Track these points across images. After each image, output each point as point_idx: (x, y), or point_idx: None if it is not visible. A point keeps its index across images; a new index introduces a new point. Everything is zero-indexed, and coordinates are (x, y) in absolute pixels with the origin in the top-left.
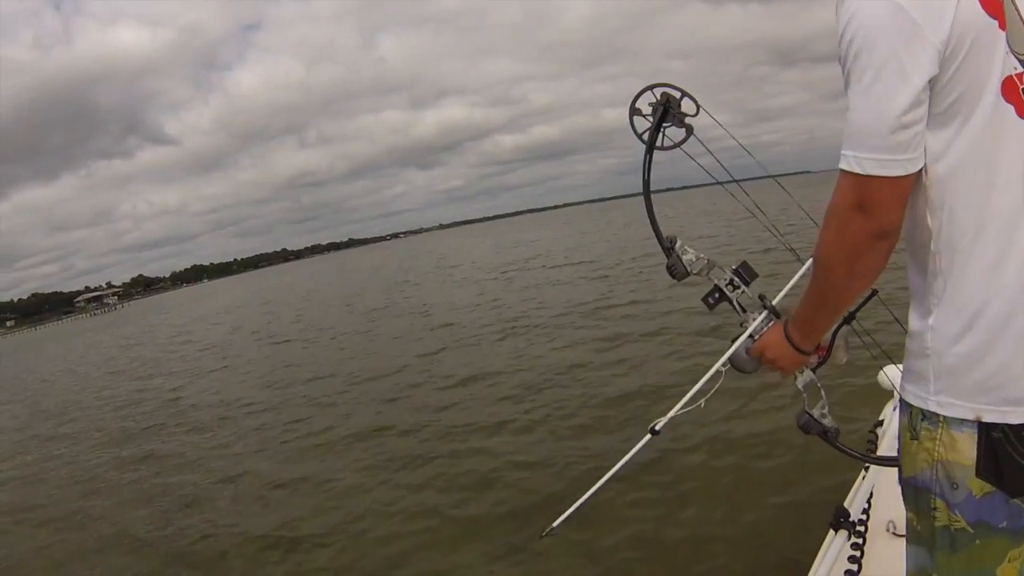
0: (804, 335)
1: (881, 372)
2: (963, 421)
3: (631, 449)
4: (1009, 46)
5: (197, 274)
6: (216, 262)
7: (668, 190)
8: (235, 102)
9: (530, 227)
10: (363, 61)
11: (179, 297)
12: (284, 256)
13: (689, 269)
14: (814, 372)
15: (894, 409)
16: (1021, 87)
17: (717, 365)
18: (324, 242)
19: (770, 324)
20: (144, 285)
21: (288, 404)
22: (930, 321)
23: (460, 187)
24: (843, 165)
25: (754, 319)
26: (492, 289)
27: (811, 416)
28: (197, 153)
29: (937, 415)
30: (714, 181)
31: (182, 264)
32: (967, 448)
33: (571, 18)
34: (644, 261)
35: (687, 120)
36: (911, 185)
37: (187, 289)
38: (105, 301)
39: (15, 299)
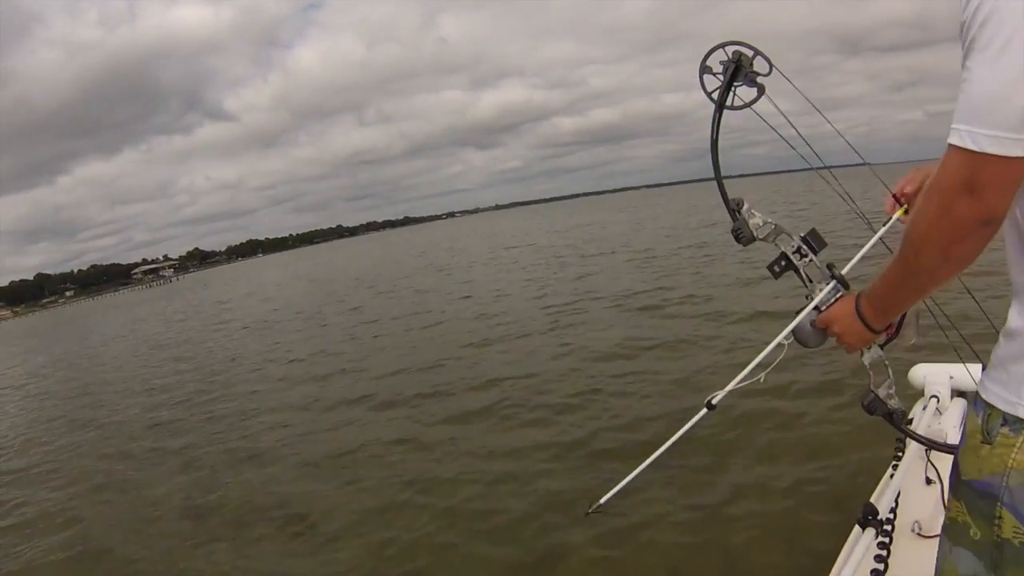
0: (879, 313)
1: (913, 369)
2: None
3: (686, 423)
4: None
5: (252, 248)
6: (271, 237)
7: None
8: (294, 80)
9: (587, 209)
10: (424, 41)
11: (232, 271)
12: (339, 233)
13: (756, 234)
14: (882, 349)
15: (923, 408)
16: None
17: (780, 337)
18: (380, 219)
19: (838, 296)
20: (200, 258)
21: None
22: (1014, 323)
23: (518, 168)
24: (954, 140)
25: (821, 290)
26: (542, 275)
27: (876, 396)
28: (256, 130)
29: (1022, 420)
30: (788, 147)
31: (238, 238)
32: None
33: (634, 1)
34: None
35: (759, 80)
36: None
37: (242, 263)
38: (161, 273)
39: (75, 270)
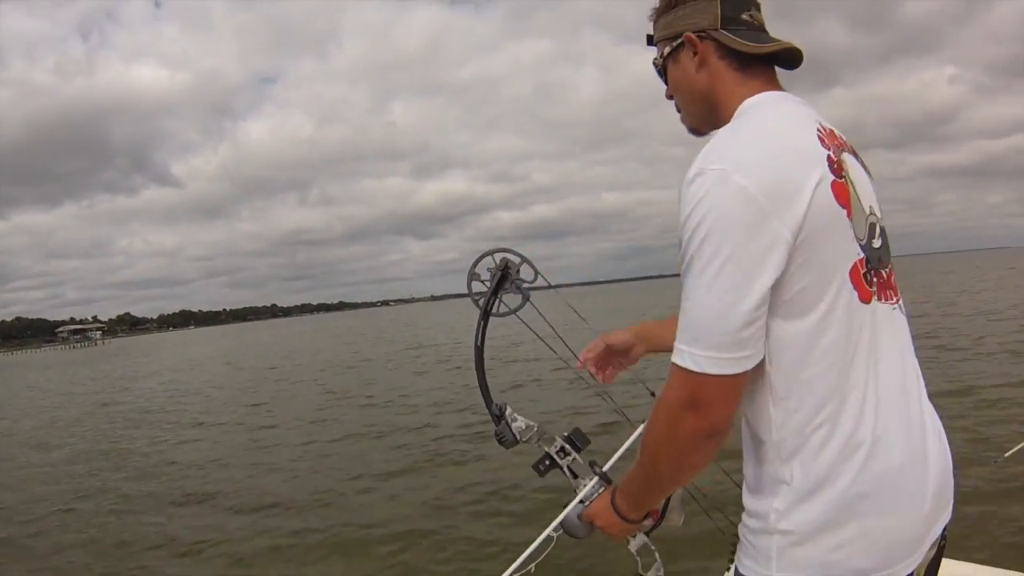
0: (631, 507)
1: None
2: None
3: None
4: (854, 233)
5: (185, 319)
6: (205, 310)
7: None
8: (243, 152)
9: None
10: (373, 124)
11: (160, 340)
12: (273, 312)
13: (519, 437)
14: (647, 535)
15: None
16: (863, 272)
17: (548, 530)
18: (315, 302)
19: (600, 490)
20: (131, 324)
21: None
22: (775, 504)
23: (455, 259)
24: (676, 359)
25: (585, 485)
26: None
27: None
28: (200, 198)
29: None
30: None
31: (171, 307)
32: None
33: (580, 98)
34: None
35: (525, 286)
36: (746, 381)
37: (172, 333)
38: (88, 335)
39: None
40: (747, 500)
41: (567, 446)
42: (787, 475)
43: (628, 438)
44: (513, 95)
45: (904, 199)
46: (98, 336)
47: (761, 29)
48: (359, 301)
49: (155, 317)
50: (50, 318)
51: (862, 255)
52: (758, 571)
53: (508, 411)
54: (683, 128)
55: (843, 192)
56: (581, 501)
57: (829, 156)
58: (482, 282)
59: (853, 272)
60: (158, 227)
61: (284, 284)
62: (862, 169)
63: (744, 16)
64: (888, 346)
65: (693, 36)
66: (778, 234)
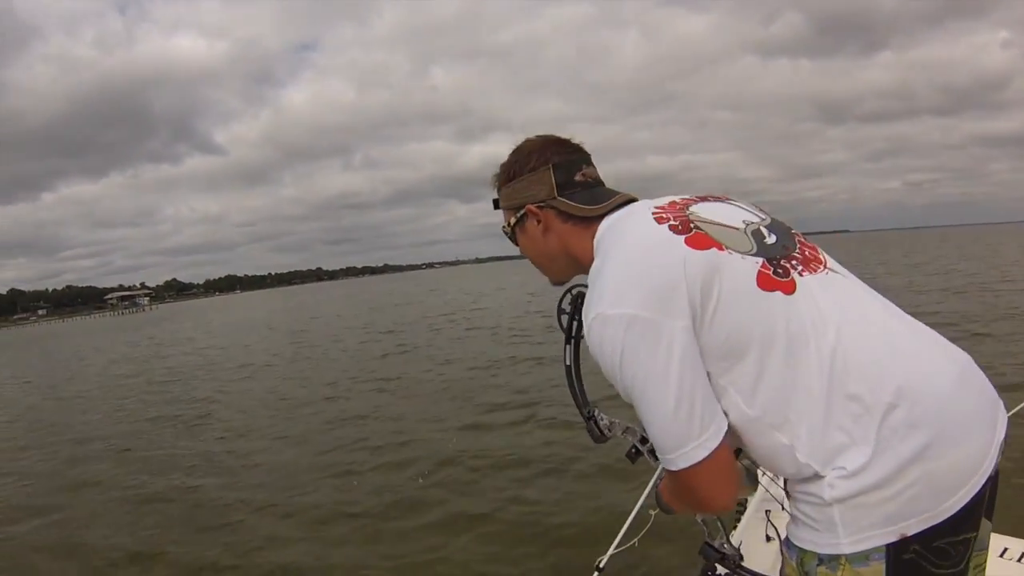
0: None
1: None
2: (869, 555)
3: None
4: (738, 254)
5: (231, 284)
6: (251, 274)
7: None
8: (285, 118)
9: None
10: (415, 89)
11: (206, 304)
12: (318, 275)
13: (606, 433)
14: None
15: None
16: (770, 272)
17: (636, 508)
18: (359, 265)
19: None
20: (177, 289)
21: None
22: (825, 483)
23: (500, 223)
24: (664, 466)
25: (657, 469)
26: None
27: (710, 545)
28: (243, 165)
29: (839, 557)
30: None
31: (217, 272)
32: None
33: (623, 60)
34: None
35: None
36: (728, 452)
37: (218, 297)
38: (136, 301)
39: (50, 289)
40: (792, 487)
41: (645, 435)
42: (830, 468)
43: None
44: (555, 58)
45: (954, 168)
46: (146, 302)
47: (596, 183)
48: (404, 264)
49: (201, 282)
50: (99, 285)
51: (760, 260)
52: (823, 542)
53: (597, 412)
54: (729, 91)
55: (702, 239)
56: (655, 484)
57: (671, 226)
58: (565, 312)
59: (761, 280)
60: (202, 194)
61: (329, 248)
62: (719, 203)
63: (577, 177)
64: (848, 305)
65: (534, 208)
66: (673, 328)
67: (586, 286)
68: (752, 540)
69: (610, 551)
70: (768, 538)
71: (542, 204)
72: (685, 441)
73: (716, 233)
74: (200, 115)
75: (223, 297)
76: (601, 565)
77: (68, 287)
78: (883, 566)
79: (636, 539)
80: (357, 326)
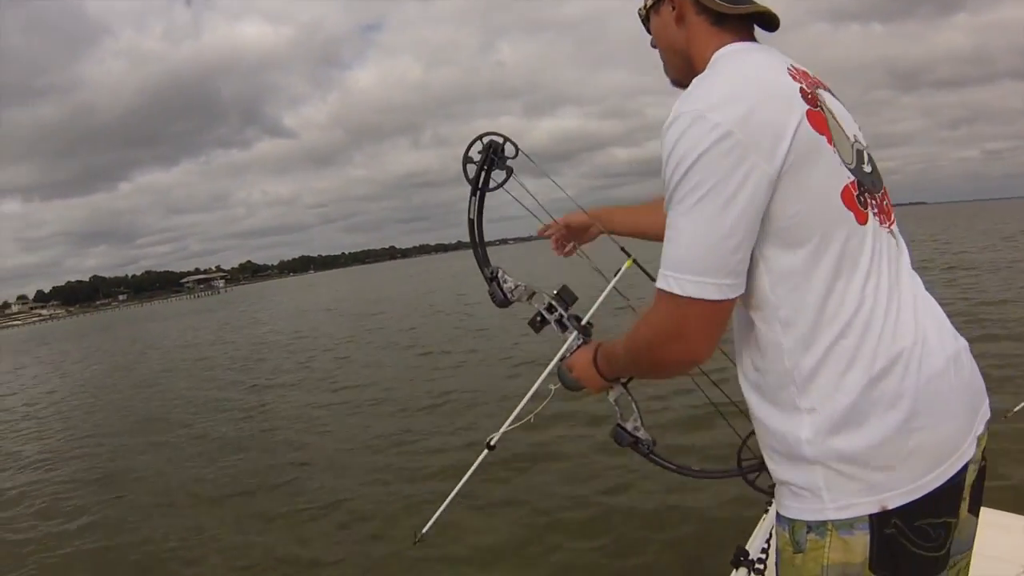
0: (609, 371)
1: None
2: (854, 523)
3: (472, 463)
4: (840, 158)
5: (304, 264)
6: (324, 254)
7: None
8: (352, 99)
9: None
10: (481, 65)
11: (279, 286)
12: (391, 254)
13: (509, 296)
14: (625, 386)
15: None
16: (856, 194)
17: (538, 382)
18: (432, 243)
19: (579, 344)
20: (252, 271)
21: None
22: (802, 434)
23: (574, 197)
24: (661, 284)
25: (567, 339)
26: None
27: (622, 428)
28: (313, 147)
29: (825, 523)
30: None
31: (291, 253)
32: (859, 548)
33: None
34: None
35: (508, 163)
36: (730, 311)
37: (292, 278)
38: (212, 284)
39: (129, 275)
40: (770, 440)
41: (554, 303)
42: (809, 402)
43: (602, 292)
44: (621, 29)
45: None
46: (221, 284)
47: None
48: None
49: (276, 264)
50: (176, 270)
51: (852, 178)
52: (810, 509)
53: (500, 273)
54: (799, 60)
55: (820, 121)
56: (563, 357)
57: (801, 88)
58: (474, 163)
59: (845, 195)
60: (274, 177)
61: (401, 226)
62: (840, 104)
63: None
64: (893, 263)
65: None
66: (756, 166)
67: (496, 133)
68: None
69: (504, 427)
70: None
71: None
72: (711, 272)
73: (832, 126)
74: (268, 100)
75: (298, 277)
76: (492, 443)
77: (146, 272)
78: (867, 537)
79: (532, 415)
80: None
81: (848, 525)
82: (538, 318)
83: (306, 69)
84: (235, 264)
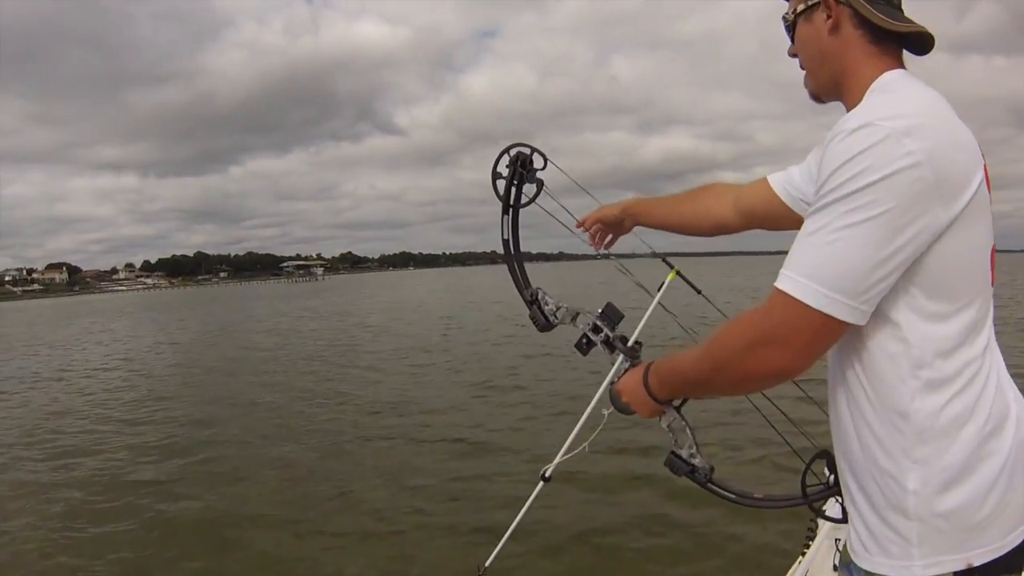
0: (665, 391)
1: None
2: None
3: (528, 497)
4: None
5: (404, 260)
6: (424, 252)
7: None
8: (465, 103)
9: (732, 267)
10: (595, 78)
11: (374, 279)
12: (492, 258)
13: (551, 320)
14: (678, 411)
15: None
16: (992, 257)
17: (588, 409)
18: (534, 251)
19: (627, 366)
20: (352, 262)
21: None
22: (910, 485)
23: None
24: (786, 286)
25: (615, 361)
26: None
27: (677, 455)
28: (423, 147)
29: None
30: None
31: (392, 248)
32: None
33: None
34: None
35: (538, 175)
36: (842, 335)
37: (391, 272)
38: (311, 271)
39: (232, 254)
40: (870, 486)
41: (599, 323)
42: (923, 454)
43: (647, 309)
44: (737, 52)
45: None
46: (320, 272)
47: (898, 7)
48: (578, 253)
49: (376, 257)
50: (277, 253)
51: (993, 241)
52: (895, 566)
53: (541, 295)
54: None
55: (987, 176)
56: (612, 381)
57: (977, 144)
58: (502, 177)
59: (992, 255)
60: (382, 173)
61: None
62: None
63: None
64: (991, 324)
65: None
66: (932, 212)
67: (526, 145)
68: (819, 567)
69: (557, 459)
70: (835, 567)
71: None
72: (850, 293)
73: (991, 185)
74: (382, 97)
75: (396, 272)
76: (547, 474)
77: (249, 253)
78: None
79: (586, 443)
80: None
81: None
82: (584, 340)
83: (420, 70)
84: (336, 253)
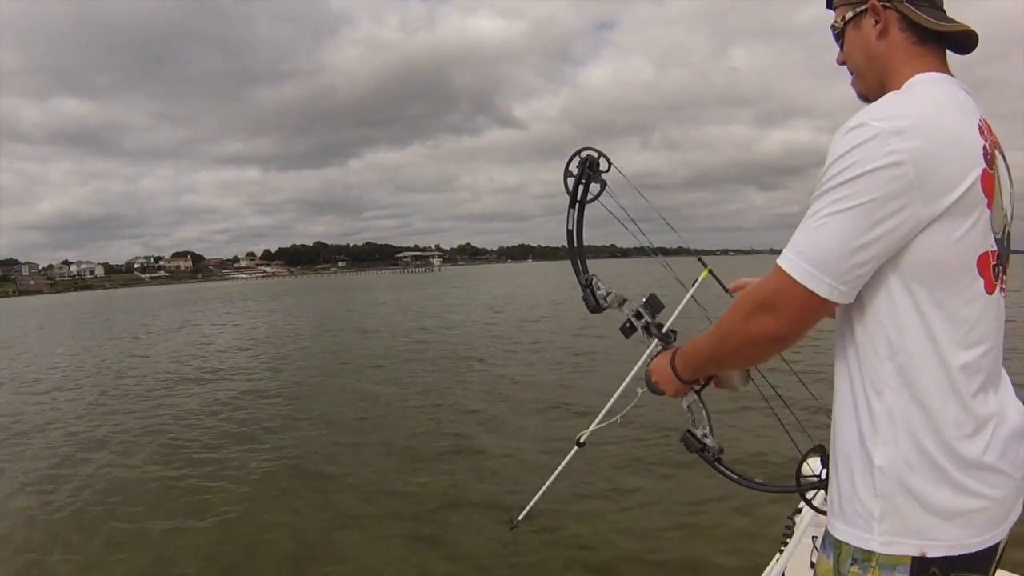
0: (687, 370)
1: None
2: (896, 566)
3: (564, 459)
4: (991, 224)
5: (523, 252)
6: (544, 245)
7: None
8: (584, 95)
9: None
10: (713, 69)
11: (489, 270)
12: (612, 252)
13: (601, 303)
14: (698, 394)
15: None
16: (992, 264)
17: (624, 384)
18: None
19: (659, 350)
20: (470, 254)
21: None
22: (876, 460)
23: (797, 213)
24: (781, 260)
25: (650, 344)
26: None
27: (691, 434)
28: (542, 139)
29: (871, 556)
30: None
31: (511, 241)
32: None
33: None
34: None
35: (602, 176)
36: (828, 310)
37: (509, 264)
38: (429, 261)
39: (350, 244)
40: (848, 457)
41: (642, 310)
42: (890, 435)
43: (681, 301)
44: None
45: None
46: (438, 263)
47: (940, 8)
48: (697, 248)
49: (495, 249)
50: (396, 244)
51: (995, 248)
52: (856, 534)
53: (595, 281)
54: None
55: (989, 183)
56: (646, 363)
57: (985, 147)
58: (572, 175)
59: (982, 261)
60: (501, 165)
61: (625, 226)
62: (1007, 172)
63: None
64: (996, 330)
65: (878, 4)
66: (910, 205)
67: (594, 149)
68: (796, 565)
69: (592, 426)
70: (812, 564)
71: (886, 4)
72: (829, 272)
73: (996, 192)
74: (499, 91)
75: (514, 264)
76: (581, 440)
77: (367, 243)
78: None
79: (619, 415)
80: None
81: (891, 566)
82: (627, 324)
83: (538, 63)
84: (454, 245)
